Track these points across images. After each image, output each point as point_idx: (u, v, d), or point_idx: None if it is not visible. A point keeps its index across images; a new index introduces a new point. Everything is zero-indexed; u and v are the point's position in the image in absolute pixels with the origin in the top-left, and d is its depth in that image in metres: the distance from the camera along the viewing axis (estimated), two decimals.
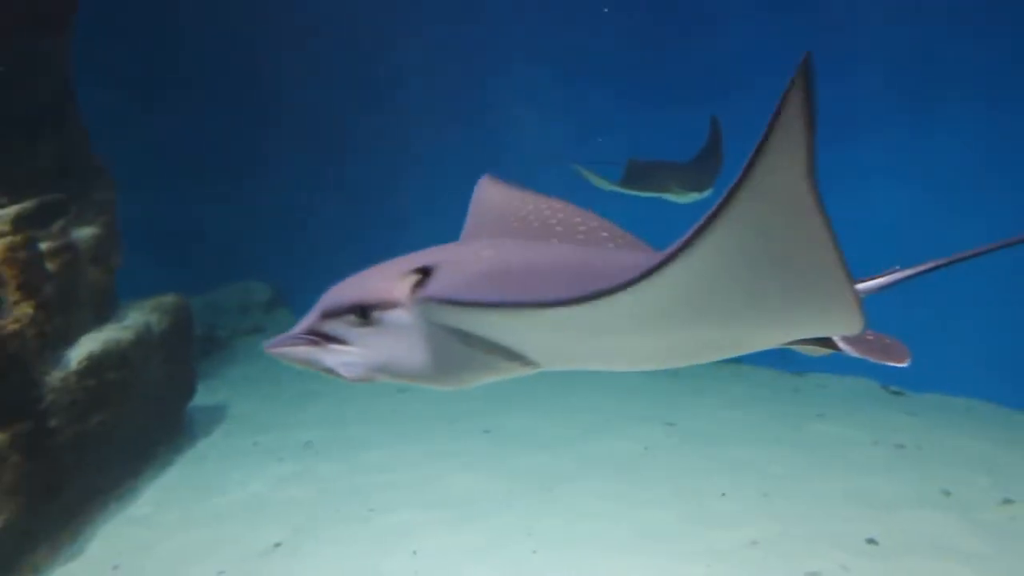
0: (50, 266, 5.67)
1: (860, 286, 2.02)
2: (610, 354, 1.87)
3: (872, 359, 1.92)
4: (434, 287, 1.81)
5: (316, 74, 10.47)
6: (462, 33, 9.79)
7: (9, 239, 5.31)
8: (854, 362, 7.43)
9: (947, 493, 5.54)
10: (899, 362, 1.90)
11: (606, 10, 9.14)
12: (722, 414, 7.16)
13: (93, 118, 7.05)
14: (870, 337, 1.99)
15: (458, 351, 1.85)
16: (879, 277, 2.09)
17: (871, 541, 4.93)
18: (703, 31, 8.78)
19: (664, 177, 7.16)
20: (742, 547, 4.93)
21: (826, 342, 1.97)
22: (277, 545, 5.25)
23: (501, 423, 7.23)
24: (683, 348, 1.84)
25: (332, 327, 1.90)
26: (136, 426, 6.27)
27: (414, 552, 5.05)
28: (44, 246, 5.68)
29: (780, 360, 8.31)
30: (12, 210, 5.55)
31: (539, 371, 1.85)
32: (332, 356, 1.91)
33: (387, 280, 1.88)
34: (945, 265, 2.03)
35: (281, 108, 10.73)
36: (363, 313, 1.86)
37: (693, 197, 7.02)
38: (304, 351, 1.91)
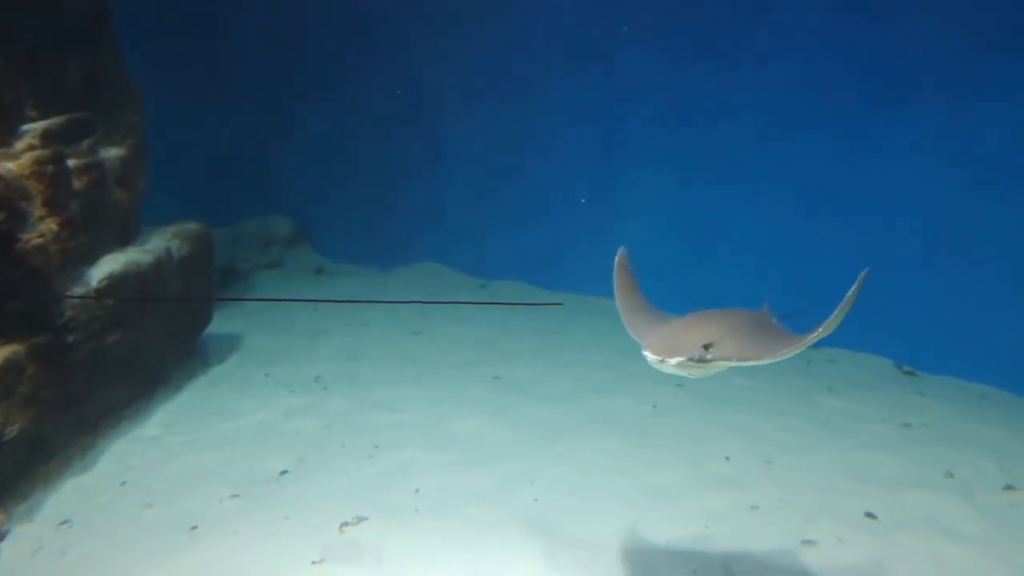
0: (76, 184, 5.69)
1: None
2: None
3: None
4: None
5: (359, 24, 10.46)
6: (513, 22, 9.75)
7: (38, 152, 5.32)
8: (870, 339, 7.31)
9: (950, 475, 5.54)
10: None
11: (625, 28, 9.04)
12: (732, 380, 7.16)
13: (129, 39, 7.05)
14: None
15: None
16: None
17: (870, 515, 4.95)
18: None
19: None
20: (742, 511, 4.97)
21: None
22: (283, 473, 5.34)
23: (512, 372, 7.27)
24: None
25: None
26: (151, 348, 6.36)
27: (416, 490, 5.12)
28: (71, 163, 5.69)
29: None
30: (41, 125, 5.56)
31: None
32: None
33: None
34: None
35: (322, 49, 10.69)
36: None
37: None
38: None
